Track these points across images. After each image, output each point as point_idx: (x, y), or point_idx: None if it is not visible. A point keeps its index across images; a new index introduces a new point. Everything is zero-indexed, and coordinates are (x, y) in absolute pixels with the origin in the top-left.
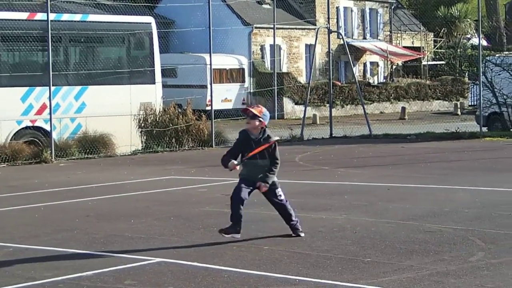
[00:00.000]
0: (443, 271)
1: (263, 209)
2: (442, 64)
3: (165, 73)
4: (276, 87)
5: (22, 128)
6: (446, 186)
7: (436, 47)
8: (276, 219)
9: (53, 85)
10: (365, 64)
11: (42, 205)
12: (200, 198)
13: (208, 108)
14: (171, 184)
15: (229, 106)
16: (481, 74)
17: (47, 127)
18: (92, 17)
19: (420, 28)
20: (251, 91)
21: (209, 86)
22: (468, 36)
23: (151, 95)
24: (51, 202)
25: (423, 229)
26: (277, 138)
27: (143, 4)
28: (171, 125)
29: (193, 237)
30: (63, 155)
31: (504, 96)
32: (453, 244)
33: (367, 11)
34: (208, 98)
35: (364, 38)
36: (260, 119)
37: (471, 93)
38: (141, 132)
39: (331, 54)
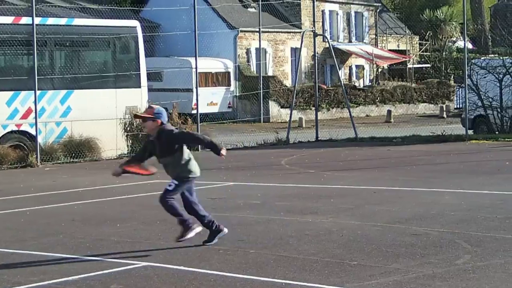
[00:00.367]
0: (430, 274)
1: (249, 213)
2: (428, 67)
3: (150, 76)
4: (262, 91)
5: (8, 132)
6: (432, 189)
7: (422, 50)
8: (262, 222)
9: (38, 89)
10: (350, 67)
11: (27, 209)
12: None
13: (194, 111)
14: (156, 188)
15: (215, 109)
16: (466, 77)
17: (32, 131)
18: (78, 21)
19: (405, 31)
20: (237, 94)
21: (194, 89)
22: (454, 39)
23: (137, 99)
24: (36, 207)
25: (410, 232)
26: (176, 130)
27: (128, 8)
28: None
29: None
30: (49, 159)
31: (490, 99)
32: (440, 247)
33: (353, 14)
34: (194, 101)
35: (350, 41)
36: (153, 118)
37: (456, 96)
38: (126, 136)
39: (316, 58)
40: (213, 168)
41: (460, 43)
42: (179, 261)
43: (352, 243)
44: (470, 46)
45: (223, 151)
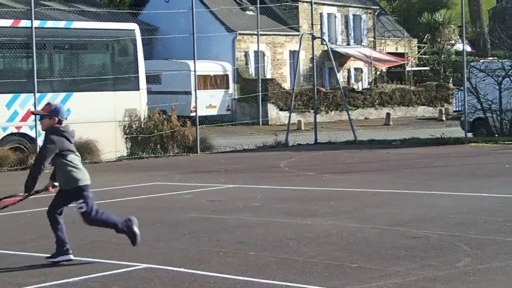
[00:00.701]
0: (430, 276)
1: (249, 215)
2: (427, 70)
3: (149, 79)
4: (260, 93)
5: (8, 135)
6: (432, 191)
7: (420, 53)
8: (262, 224)
9: (38, 92)
10: (349, 70)
11: (27, 212)
12: (186, 204)
13: (193, 114)
14: (156, 190)
15: (213, 112)
16: (465, 80)
17: (32, 133)
18: (76, 24)
19: (404, 34)
20: (236, 97)
21: (193, 92)
22: (452, 42)
23: (136, 101)
24: (36, 209)
25: (410, 234)
26: (51, 137)
27: (127, 11)
28: (156, 131)
29: (179, 243)
30: None
31: (489, 102)
32: (440, 249)
33: (351, 17)
34: (193, 104)
35: (348, 44)
36: (50, 116)
37: (455, 99)
38: (126, 138)
39: (315, 60)
40: (212, 171)
41: (458, 46)
42: (179, 263)
43: (352, 246)
44: (468, 49)
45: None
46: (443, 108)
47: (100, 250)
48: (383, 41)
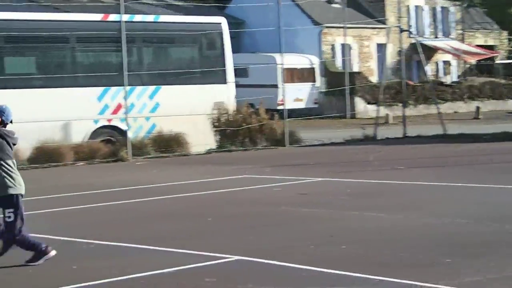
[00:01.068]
0: None
1: (339, 209)
2: None
3: (236, 73)
4: (348, 87)
5: (99, 128)
6: None
7: (511, 45)
8: (353, 218)
9: (127, 85)
10: (437, 63)
11: (123, 203)
12: (275, 197)
13: (279, 107)
14: (245, 183)
15: (301, 105)
16: None
17: (122, 126)
18: (164, 18)
19: (493, 27)
20: (323, 90)
21: (280, 85)
22: None
23: (224, 94)
24: (130, 200)
25: (505, 230)
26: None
27: (213, 4)
28: (244, 124)
29: (270, 235)
30: (139, 154)
31: None
32: None
33: (438, 9)
34: (279, 97)
35: (436, 37)
36: None
37: None
38: (215, 131)
39: (403, 53)
40: (301, 164)
41: None
42: (270, 255)
43: (443, 241)
44: None
45: None
46: None
47: (191, 242)
48: (471, 33)
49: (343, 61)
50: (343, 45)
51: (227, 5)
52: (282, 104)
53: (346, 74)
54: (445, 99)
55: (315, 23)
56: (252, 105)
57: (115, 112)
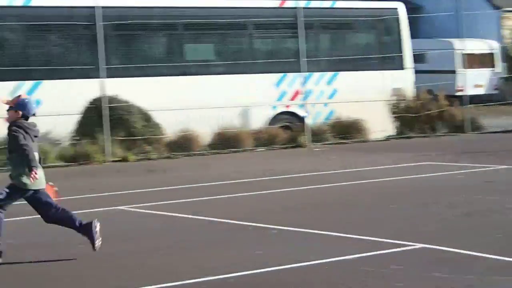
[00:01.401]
0: None
1: None
2: None
3: (414, 58)
4: None
5: (278, 114)
6: None
7: None
8: None
9: (304, 72)
10: None
11: (304, 189)
12: (458, 184)
13: (458, 93)
14: (426, 170)
15: (480, 91)
16: None
17: (301, 112)
18: (341, 4)
19: None
20: (503, 76)
21: (458, 71)
22: None
23: (402, 80)
24: (315, 186)
25: None
26: (16, 130)
27: None
28: (423, 110)
29: (455, 223)
30: (317, 140)
31: None
32: None
33: None
34: (458, 83)
35: None
36: (15, 108)
37: None
38: (393, 118)
39: None
40: (483, 151)
41: None
42: (455, 243)
43: None
44: None
45: (33, 174)
46: None
47: (371, 228)
48: None
49: None
50: None
51: None
52: (461, 90)
53: None
54: None
55: (495, 7)
56: (430, 91)
57: (293, 98)
